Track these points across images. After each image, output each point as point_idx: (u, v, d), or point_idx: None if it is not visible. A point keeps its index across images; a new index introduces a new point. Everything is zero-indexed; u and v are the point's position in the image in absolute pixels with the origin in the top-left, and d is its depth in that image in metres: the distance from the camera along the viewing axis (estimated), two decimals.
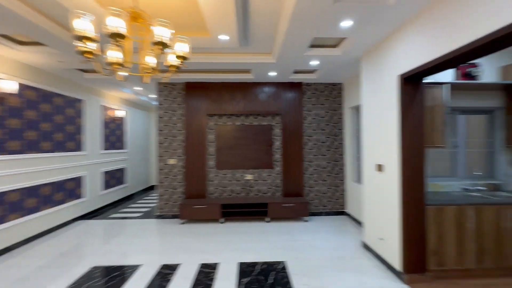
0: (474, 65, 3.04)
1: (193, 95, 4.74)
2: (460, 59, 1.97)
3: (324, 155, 4.84)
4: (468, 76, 3.02)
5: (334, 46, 3.31)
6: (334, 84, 4.88)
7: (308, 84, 4.85)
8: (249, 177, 4.78)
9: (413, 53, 2.38)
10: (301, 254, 3.20)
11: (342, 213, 4.85)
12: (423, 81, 2.58)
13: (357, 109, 4.47)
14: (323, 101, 4.87)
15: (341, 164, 4.86)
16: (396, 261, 2.64)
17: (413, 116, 2.57)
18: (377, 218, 3.03)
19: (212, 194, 4.77)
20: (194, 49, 3.36)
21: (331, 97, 4.87)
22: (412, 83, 2.56)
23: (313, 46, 3.27)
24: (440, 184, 3.17)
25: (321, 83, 4.85)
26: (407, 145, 2.56)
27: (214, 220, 4.55)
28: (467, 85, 2.94)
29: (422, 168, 2.57)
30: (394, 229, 2.69)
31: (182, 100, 4.77)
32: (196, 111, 4.74)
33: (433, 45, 2.14)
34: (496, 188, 3.15)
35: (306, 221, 4.48)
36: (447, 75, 2.94)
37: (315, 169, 4.83)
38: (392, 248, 2.71)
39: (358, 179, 4.37)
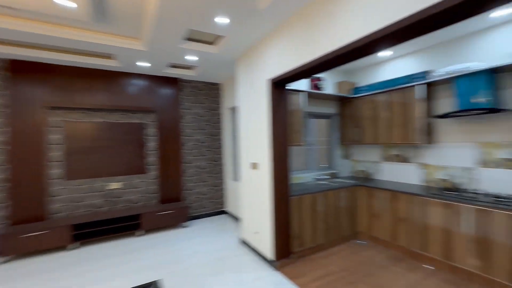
0: (319, 79, 3.79)
1: (25, 78, 3.40)
2: (314, 70, 2.33)
3: (204, 155, 4.73)
4: (317, 87, 3.74)
5: (211, 43, 3.23)
6: (213, 84, 4.85)
7: (186, 81, 4.57)
8: (114, 185, 3.95)
9: (280, 60, 2.63)
10: (180, 265, 2.91)
11: (223, 212, 4.91)
12: (287, 87, 2.93)
13: (234, 110, 4.64)
14: (203, 100, 4.74)
15: (221, 164, 4.91)
16: (269, 251, 2.87)
17: (280, 118, 2.86)
18: (253, 213, 3.21)
19: (58, 213, 3.59)
20: (23, 12, 2.35)
21: (210, 96, 4.82)
22: (279, 88, 2.85)
23: (190, 39, 3.05)
24: (298, 176, 3.75)
25: (201, 81, 4.71)
26: (276, 144, 2.82)
27: (61, 247, 3.44)
28: (316, 94, 3.61)
29: (287, 164, 2.91)
30: (266, 221, 2.90)
31: (4, 85, 3.31)
32: (29, 101, 3.42)
33: (294, 55, 2.42)
34: (335, 176, 4.08)
35: (186, 226, 4.20)
36: (304, 85, 3.50)
37: (195, 171, 4.63)
38: (265, 240, 2.93)
39: (236, 177, 4.54)
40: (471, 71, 2.56)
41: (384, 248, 3.19)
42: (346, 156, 4.26)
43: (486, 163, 2.70)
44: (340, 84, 3.99)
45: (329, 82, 4.00)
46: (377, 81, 3.80)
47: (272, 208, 2.79)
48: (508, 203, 2.25)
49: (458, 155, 2.93)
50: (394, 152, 3.62)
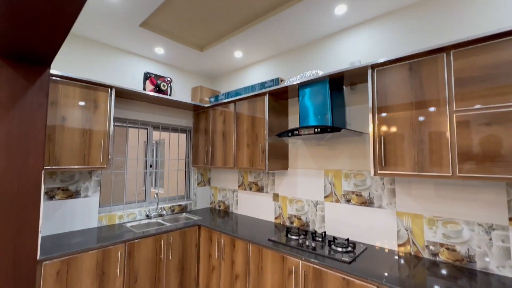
0: (166, 80, 2.82)
1: None
2: None
3: None
4: (159, 89, 2.74)
5: None
6: None
7: None
8: None
9: None
10: None
11: None
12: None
13: None
14: None
15: None
16: None
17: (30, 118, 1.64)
18: None
19: None
20: None
21: None
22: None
23: None
24: (120, 213, 2.54)
25: None
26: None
27: None
28: (156, 98, 2.58)
29: (36, 206, 1.66)
30: None
31: None
32: None
33: None
34: (183, 209, 3.03)
35: None
36: (138, 82, 2.43)
37: None
38: None
39: None
40: (318, 78, 1.98)
41: None
42: (204, 182, 3.32)
43: (330, 196, 2.12)
44: (195, 90, 3.11)
45: (184, 85, 3.09)
46: (233, 88, 3.09)
47: None
48: (338, 256, 1.60)
49: (307, 184, 2.31)
50: (252, 178, 2.86)
